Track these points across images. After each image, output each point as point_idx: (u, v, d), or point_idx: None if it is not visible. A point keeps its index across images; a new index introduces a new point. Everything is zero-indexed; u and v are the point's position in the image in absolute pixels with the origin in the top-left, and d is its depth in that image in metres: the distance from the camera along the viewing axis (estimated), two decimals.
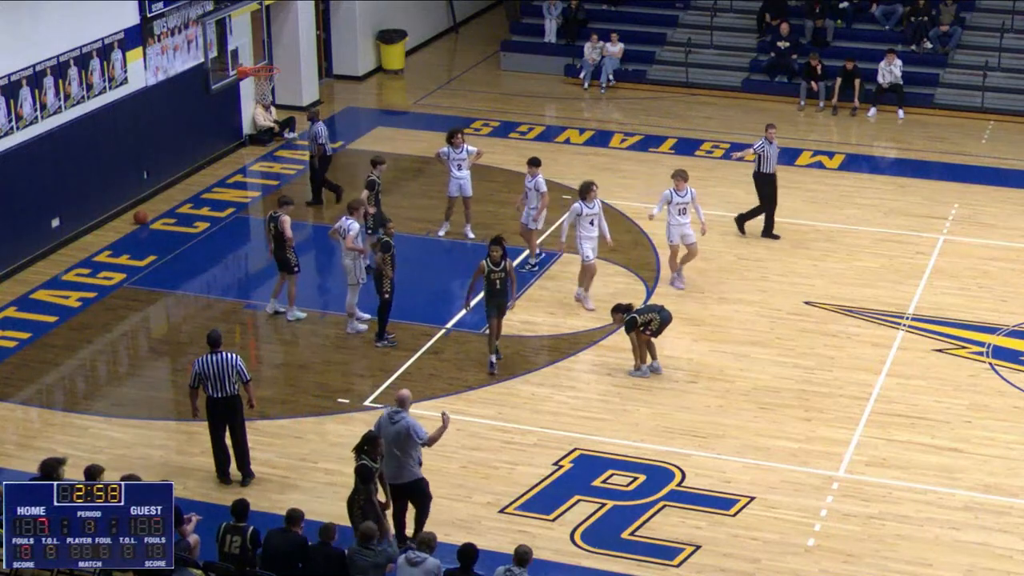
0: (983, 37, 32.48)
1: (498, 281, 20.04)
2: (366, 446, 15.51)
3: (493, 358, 20.44)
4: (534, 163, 23.53)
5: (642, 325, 20.07)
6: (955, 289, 23.00)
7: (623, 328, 20.28)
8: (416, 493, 16.26)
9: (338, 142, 30.07)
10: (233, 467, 17.82)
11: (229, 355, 17.43)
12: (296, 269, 21.78)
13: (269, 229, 21.75)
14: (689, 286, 22.96)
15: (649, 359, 20.36)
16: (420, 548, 14.30)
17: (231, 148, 29.07)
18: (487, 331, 20.62)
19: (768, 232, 24.81)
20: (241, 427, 17.70)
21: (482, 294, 20.40)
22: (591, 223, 22.09)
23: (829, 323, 21.85)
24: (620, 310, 20.29)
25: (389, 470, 16.04)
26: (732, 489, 17.68)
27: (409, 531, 16.34)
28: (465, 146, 24.46)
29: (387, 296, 20.89)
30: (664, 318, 20.16)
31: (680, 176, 22.67)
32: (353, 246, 21.11)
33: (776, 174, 24.63)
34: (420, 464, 16.17)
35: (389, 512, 15.92)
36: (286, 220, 21.60)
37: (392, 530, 15.84)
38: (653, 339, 20.26)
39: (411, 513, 16.41)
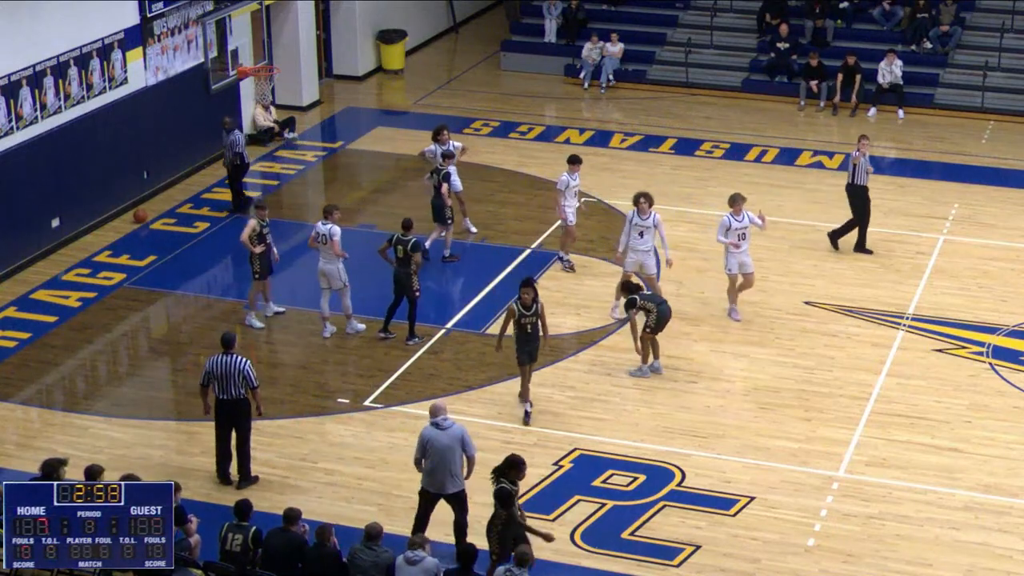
0: (983, 37, 32.48)
1: (529, 326, 18.92)
2: (508, 470, 15.12)
3: (528, 407, 19.24)
4: (576, 160, 23.33)
5: (640, 310, 20.02)
6: (955, 289, 23.00)
7: (623, 304, 20.49)
8: (460, 504, 16.22)
9: (338, 142, 30.11)
10: (233, 468, 17.81)
11: (238, 359, 17.39)
12: (255, 275, 21.69)
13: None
14: (689, 286, 22.95)
15: (651, 359, 20.34)
16: (412, 547, 14.30)
17: None
18: (520, 380, 19.41)
19: (861, 247, 23.96)
20: (244, 431, 17.66)
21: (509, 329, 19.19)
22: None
23: (829, 323, 21.85)
24: (627, 289, 20.30)
25: (440, 481, 15.96)
26: (732, 489, 17.68)
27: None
28: (451, 143, 24.47)
29: (418, 295, 21.08)
30: (662, 312, 20.01)
31: (738, 200, 21.47)
32: (340, 252, 21.07)
33: (868, 187, 23.94)
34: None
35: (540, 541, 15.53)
36: (249, 223, 21.50)
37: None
38: (656, 337, 20.23)
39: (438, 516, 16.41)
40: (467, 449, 15.99)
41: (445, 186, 23.50)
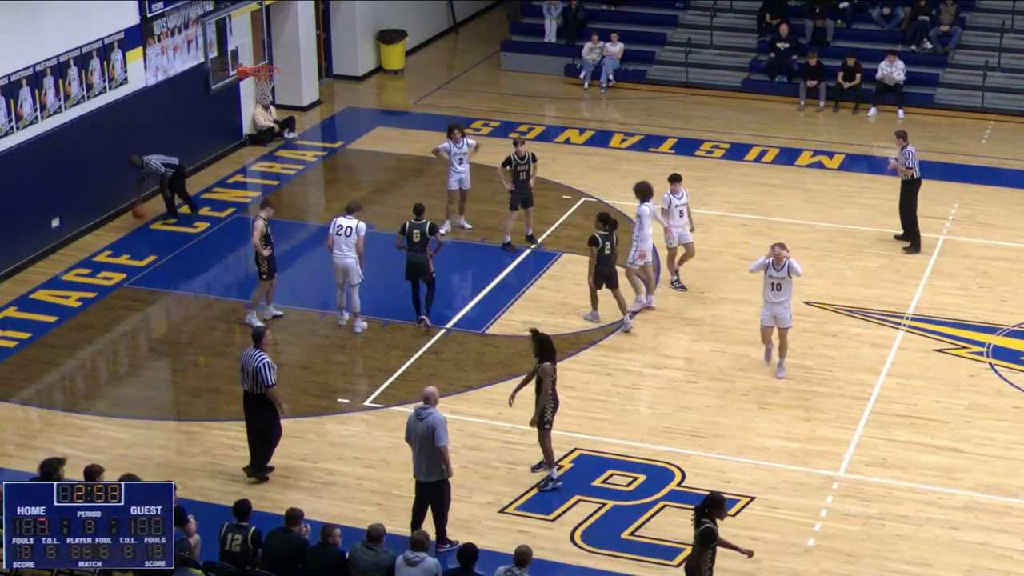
0: (983, 37, 32.48)
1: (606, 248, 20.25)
2: (711, 508, 14.64)
3: (554, 472, 17.89)
4: (677, 179, 22.62)
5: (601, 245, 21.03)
6: (955, 289, 23.00)
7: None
8: (435, 494, 16.29)
9: (338, 142, 30.12)
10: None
11: (258, 355, 17.47)
12: (262, 275, 21.68)
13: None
14: (689, 286, 22.95)
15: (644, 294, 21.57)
16: (415, 548, 14.31)
17: (231, 148, 29.07)
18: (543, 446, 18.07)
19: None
20: (263, 425, 17.71)
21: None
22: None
23: (829, 323, 21.85)
24: (601, 220, 21.41)
25: (418, 467, 16.14)
26: (732, 489, 17.67)
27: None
28: (465, 140, 24.48)
29: (434, 276, 21.66)
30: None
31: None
32: (362, 248, 21.16)
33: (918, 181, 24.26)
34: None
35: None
36: (256, 224, 21.50)
37: None
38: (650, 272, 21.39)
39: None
40: (434, 440, 15.96)
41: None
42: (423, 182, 26.98)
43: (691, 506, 17.22)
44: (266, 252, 21.41)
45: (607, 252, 21.21)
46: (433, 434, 15.95)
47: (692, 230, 22.77)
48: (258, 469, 17.89)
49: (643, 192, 22.06)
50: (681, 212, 22.43)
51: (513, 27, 35.88)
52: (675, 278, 22.90)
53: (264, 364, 17.39)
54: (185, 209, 25.83)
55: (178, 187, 25.82)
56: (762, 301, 20.31)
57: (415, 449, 16.17)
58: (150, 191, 26.51)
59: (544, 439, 17.68)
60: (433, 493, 16.27)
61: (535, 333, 17.64)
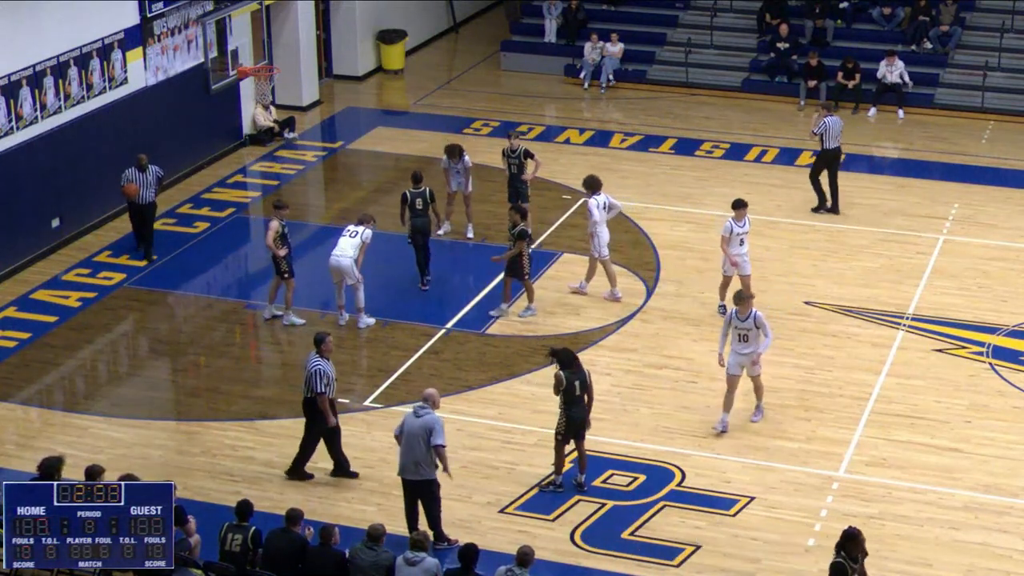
0: (983, 37, 32.48)
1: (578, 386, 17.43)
2: (846, 543, 14.24)
3: (558, 479, 17.65)
4: (741, 205, 21.53)
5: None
6: (955, 289, 23.00)
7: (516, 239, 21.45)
8: (425, 494, 16.29)
9: (338, 142, 30.12)
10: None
11: (314, 360, 17.49)
12: (285, 275, 21.71)
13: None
14: (689, 286, 22.95)
15: (527, 302, 21.95)
16: (415, 548, 14.32)
17: (231, 148, 29.07)
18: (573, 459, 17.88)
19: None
20: (311, 429, 17.69)
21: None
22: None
23: (829, 323, 21.85)
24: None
25: (404, 466, 16.17)
26: (732, 489, 17.68)
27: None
28: (463, 160, 24.52)
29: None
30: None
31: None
32: (361, 258, 21.31)
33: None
34: (436, 467, 16.19)
35: None
36: (271, 224, 21.52)
37: None
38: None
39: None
40: (432, 438, 15.97)
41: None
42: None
43: (691, 506, 17.34)
44: (282, 252, 21.43)
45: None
46: (431, 433, 15.95)
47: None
48: (295, 468, 17.92)
49: (592, 185, 22.39)
50: (742, 241, 21.38)
51: (513, 27, 35.87)
52: (722, 303, 21.78)
53: (319, 371, 17.39)
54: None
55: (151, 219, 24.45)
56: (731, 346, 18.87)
57: (403, 447, 16.15)
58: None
59: (555, 447, 17.65)
60: (421, 492, 16.27)
61: (552, 351, 17.69)
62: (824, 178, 25.71)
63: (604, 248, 22.20)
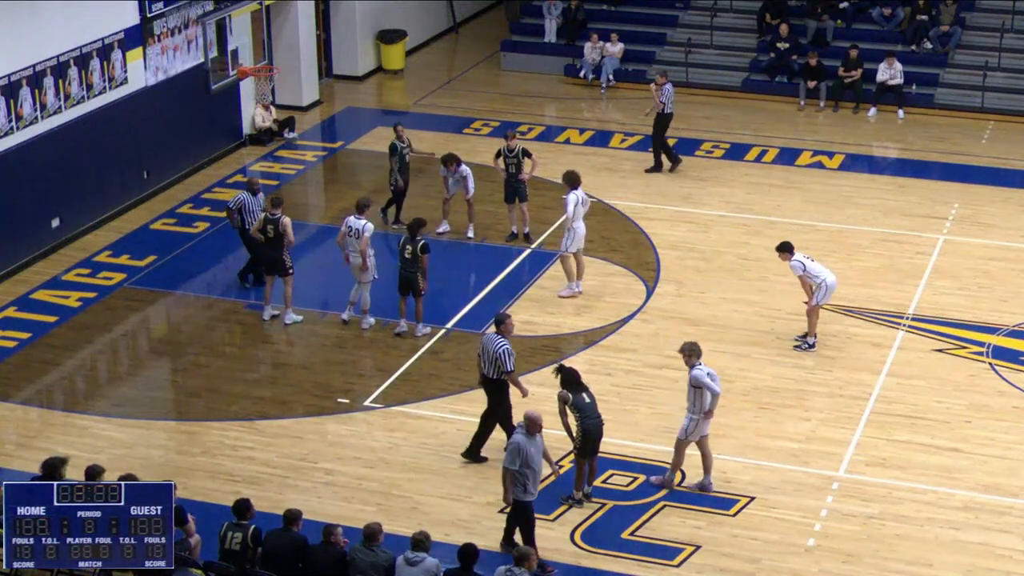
0: (983, 37, 32.49)
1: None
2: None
3: (576, 494, 17.45)
4: (786, 248, 20.97)
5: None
6: (955, 289, 23.00)
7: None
8: (518, 515, 16.28)
9: (338, 142, 30.12)
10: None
11: (496, 341, 17.74)
12: (291, 271, 21.72)
13: (266, 231, 21.62)
14: (689, 286, 22.96)
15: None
16: (415, 548, 14.31)
17: (231, 148, 29.08)
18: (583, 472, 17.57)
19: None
20: (493, 408, 17.92)
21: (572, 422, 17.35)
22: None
23: (829, 323, 21.83)
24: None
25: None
26: (732, 489, 17.68)
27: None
28: (459, 169, 24.49)
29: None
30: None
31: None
32: (366, 248, 21.17)
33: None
34: (525, 490, 16.04)
35: None
36: (287, 221, 21.56)
37: None
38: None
39: None
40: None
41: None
42: (423, 182, 26.94)
43: (691, 506, 17.32)
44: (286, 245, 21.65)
45: (407, 256, 20.88)
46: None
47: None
48: (471, 450, 18.15)
49: (571, 180, 22.49)
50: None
51: (513, 27, 35.88)
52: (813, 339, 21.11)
53: (505, 350, 17.66)
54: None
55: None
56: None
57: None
58: (151, 191, 26.53)
59: (576, 466, 17.50)
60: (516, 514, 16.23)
61: (559, 368, 17.58)
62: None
63: (581, 241, 22.41)
